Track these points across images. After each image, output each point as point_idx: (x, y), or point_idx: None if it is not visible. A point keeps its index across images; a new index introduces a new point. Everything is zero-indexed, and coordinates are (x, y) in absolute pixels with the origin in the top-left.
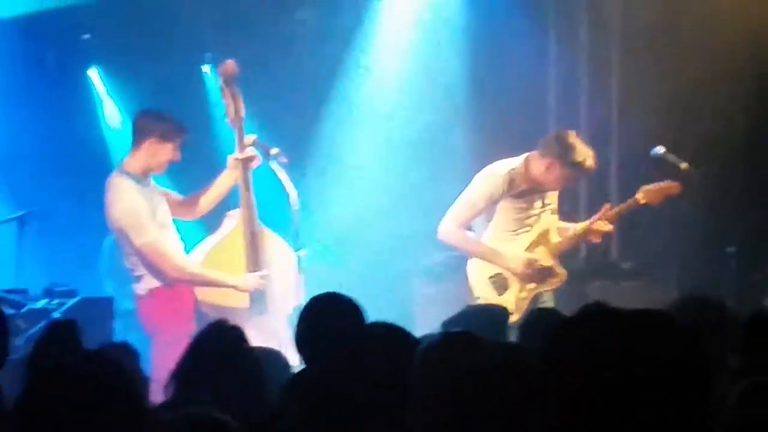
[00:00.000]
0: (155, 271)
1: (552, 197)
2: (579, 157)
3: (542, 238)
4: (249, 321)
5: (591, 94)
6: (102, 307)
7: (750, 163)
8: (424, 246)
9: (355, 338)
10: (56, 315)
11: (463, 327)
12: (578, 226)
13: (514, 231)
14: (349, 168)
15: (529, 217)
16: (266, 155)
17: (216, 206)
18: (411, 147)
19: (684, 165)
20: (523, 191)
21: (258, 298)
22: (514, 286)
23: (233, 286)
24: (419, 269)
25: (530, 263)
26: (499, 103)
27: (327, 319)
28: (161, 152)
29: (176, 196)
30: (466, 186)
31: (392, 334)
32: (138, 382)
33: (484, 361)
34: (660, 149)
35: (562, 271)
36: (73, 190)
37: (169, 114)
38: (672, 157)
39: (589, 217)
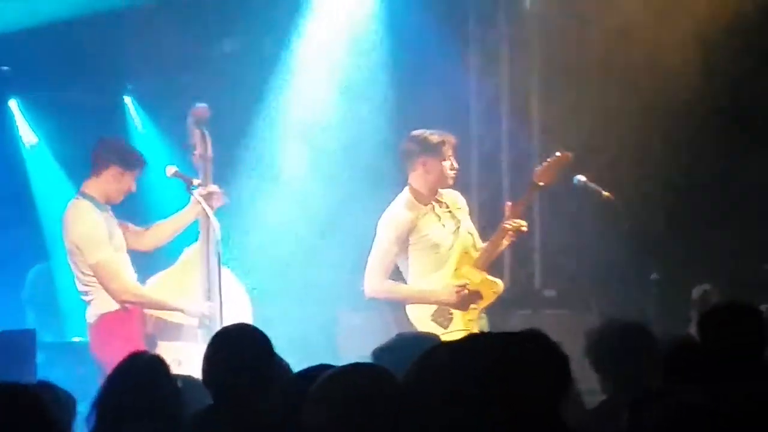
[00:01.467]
0: (106, 290)
1: (460, 215)
2: (435, 139)
3: (464, 258)
4: (199, 338)
5: (512, 117)
6: (24, 341)
7: (672, 189)
8: (349, 276)
9: (262, 374)
10: None
11: (394, 355)
12: (494, 235)
13: (438, 257)
14: (276, 191)
15: (444, 240)
16: (188, 186)
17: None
18: (335, 180)
19: (606, 193)
20: (426, 212)
21: (206, 330)
22: (457, 314)
23: (180, 310)
24: (344, 299)
25: (460, 289)
26: (421, 125)
27: (236, 351)
28: (123, 181)
29: (134, 228)
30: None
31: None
32: (54, 412)
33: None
34: (581, 177)
35: (496, 281)
36: None
37: (130, 144)
38: (593, 186)
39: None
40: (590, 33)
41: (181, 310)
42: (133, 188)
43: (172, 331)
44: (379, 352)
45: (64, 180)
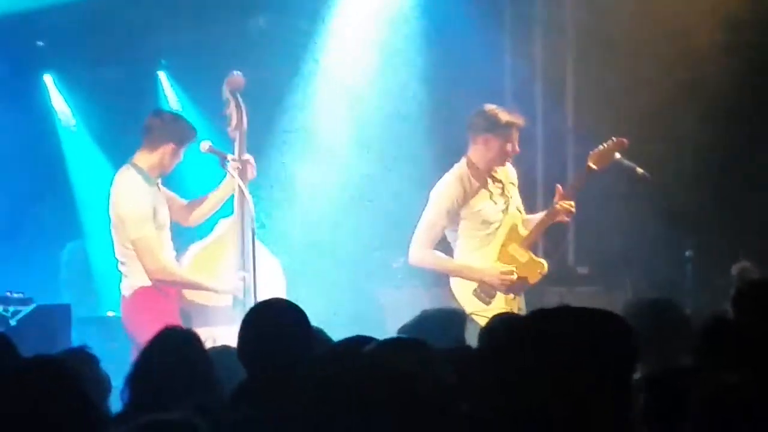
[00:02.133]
0: (143, 267)
1: (512, 191)
2: (504, 118)
3: (512, 235)
4: (233, 321)
5: (546, 99)
6: (59, 315)
7: (707, 166)
8: (387, 252)
9: (298, 347)
10: (12, 323)
11: (419, 332)
12: (542, 214)
13: (486, 234)
14: (311, 172)
15: (495, 216)
16: (222, 161)
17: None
18: (371, 152)
19: (640, 170)
20: (479, 188)
21: (240, 300)
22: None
23: (213, 289)
24: (382, 275)
25: (506, 276)
26: (455, 108)
27: (271, 325)
28: (177, 155)
29: (180, 200)
30: (428, 191)
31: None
32: (90, 388)
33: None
34: (616, 154)
35: (542, 261)
36: (28, 197)
37: (182, 116)
38: (627, 163)
39: None
40: (623, 12)
41: (215, 290)
42: (180, 159)
43: (207, 314)
44: (404, 330)
45: (98, 155)
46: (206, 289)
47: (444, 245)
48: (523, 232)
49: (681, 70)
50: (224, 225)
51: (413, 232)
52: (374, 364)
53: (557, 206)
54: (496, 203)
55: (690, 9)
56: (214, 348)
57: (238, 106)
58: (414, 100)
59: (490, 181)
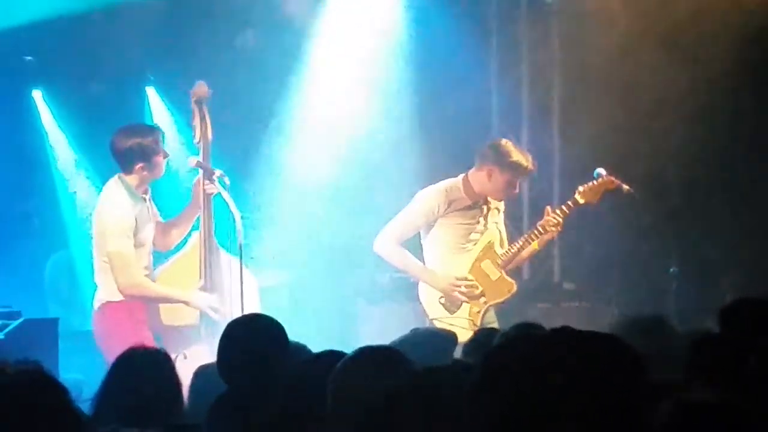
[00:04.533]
0: (115, 280)
1: (496, 215)
2: (515, 158)
3: (487, 252)
4: (200, 340)
5: (533, 116)
6: (47, 329)
7: (692, 182)
8: (370, 265)
9: (276, 362)
10: (0, 336)
11: (408, 350)
12: (522, 237)
13: (460, 246)
14: (295, 185)
15: (473, 233)
16: (210, 177)
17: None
18: (357, 164)
19: (626, 187)
20: (468, 207)
21: (206, 318)
22: (466, 303)
23: (184, 301)
24: (365, 288)
25: (456, 284)
26: (442, 126)
27: (249, 340)
28: (156, 168)
29: (160, 222)
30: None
31: (318, 357)
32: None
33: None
34: (602, 171)
35: (512, 281)
36: (16, 211)
37: (138, 127)
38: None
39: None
40: (610, 29)
41: (187, 302)
42: (166, 155)
43: (175, 330)
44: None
45: (86, 170)
46: (177, 301)
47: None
48: (499, 251)
49: (666, 87)
50: (195, 238)
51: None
52: (347, 377)
53: (537, 227)
54: (478, 222)
55: (674, 24)
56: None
57: (202, 117)
58: (401, 117)
59: (479, 202)
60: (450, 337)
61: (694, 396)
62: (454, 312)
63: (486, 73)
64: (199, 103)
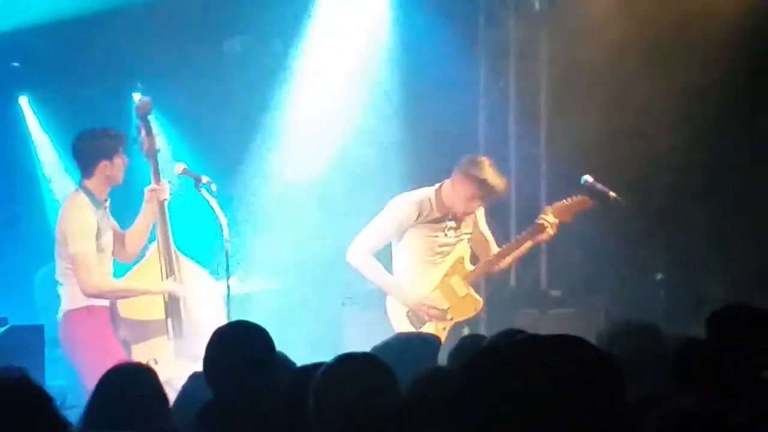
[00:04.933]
0: (78, 282)
1: (469, 227)
2: (485, 175)
3: (456, 267)
4: (167, 331)
5: (519, 121)
6: (32, 336)
7: (679, 188)
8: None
9: (263, 370)
10: None
11: (392, 355)
12: (492, 255)
13: (428, 259)
14: (283, 191)
15: (443, 245)
16: (196, 183)
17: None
18: (346, 169)
19: (612, 194)
20: (437, 219)
21: (175, 319)
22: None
23: (148, 291)
24: (353, 295)
25: (422, 305)
26: (430, 127)
27: (236, 347)
28: (115, 168)
29: (119, 232)
30: None
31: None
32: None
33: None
34: (588, 178)
35: (479, 299)
36: (3, 218)
37: (101, 129)
38: (600, 186)
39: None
40: (598, 35)
41: (148, 291)
42: (126, 162)
43: (141, 329)
44: (376, 351)
45: (72, 176)
46: (141, 293)
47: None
48: (469, 267)
49: (653, 93)
50: (153, 247)
51: (388, 252)
52: (328, 384)
53: (505, 247)
54: (446, 236)
55: (661, 31)
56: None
57: (147, 130)
58: (388, 122)
59: (450, 215)
60: (433, 342)
61: (682, 404)
62: (419, 328)
63: (474, 78)
64: (143, 117)
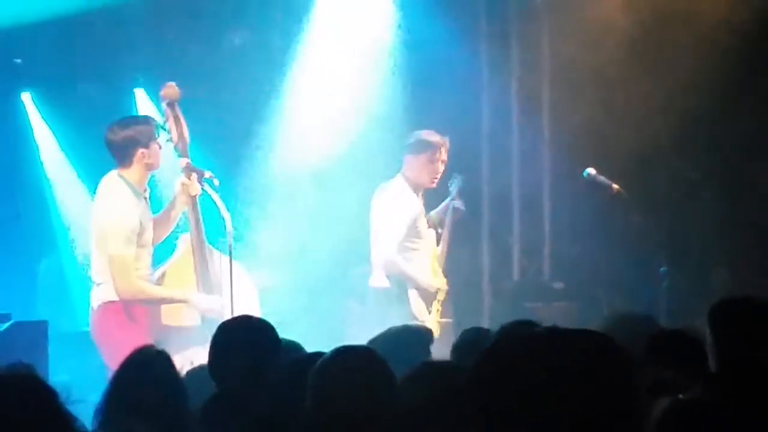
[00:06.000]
0: (114, 284)
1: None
2: (423, 136)
3: (433, 251)
4: (205, 340)
5: (522, 112)
6: (36, 331)
7: (680, 181)
8: (363, 266)
9: (267, 364)
10: None
11: (386, 347)
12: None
13: (415, 248)
14: (283, 187)
15: (424, 236)
16: (199, 178)
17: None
18: (348, 164)
19: (615, 186)
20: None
21: (209, 319)
22: (435, 307)
23: (184, 301)
24: (352, 288)
25: (436, 288)
26: (433, 124)
27: (241, 342)
28: (153, 154)
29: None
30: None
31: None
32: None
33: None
34: (591, 170)
35: (444, 279)
36: (5, 213)
37: (131, 118)
38: (602, 179)
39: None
40: (600, 27)
41: (186, 302)
42: (161, 146)
43: (179, 335)
44: (371, 344)
45: (75, 171)
46: (176, 301)
47: None
48: (437, 250)
49: (655, 83)
50: (186, 240)
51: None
52: (325, 376)
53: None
54: (425, 221)
55: (662, 23)
56: (192, 369)
57: (176, 117)
58: (390, 116)
59: (422, 192)
60: (426, 333)
61: (689, 395)
62: (430, 313)
63: (476, 71)
64: (170, 104)
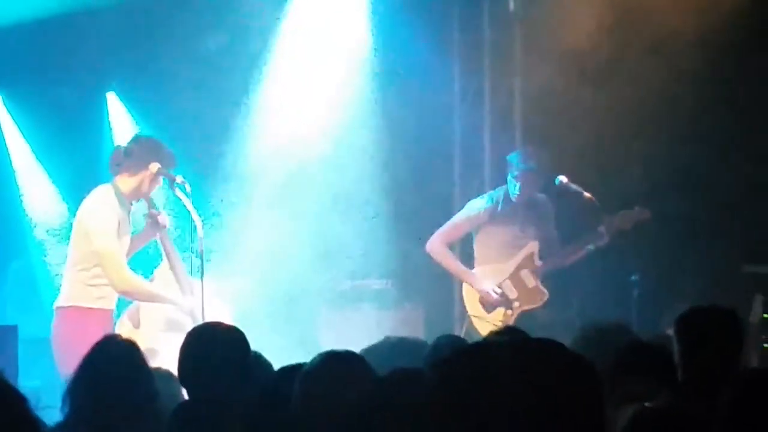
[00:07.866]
0: (108, 278)
1: (543, 221)
2: (532, 162)
3: (527, 262)
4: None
5: (495, 120)
6: (6, 336)
7: (653, 186)
8: (333, 272)
9: (237, 371)
10: None
11: (380, 357)
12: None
13: (504, 252)
14: (256, 192)
15: (517, 240)
16: (171, 183)
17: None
18: (320, 170)
19: (587, 194)
20: (508, 214)
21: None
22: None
23: (173, 303)
24: (326, 295)
25: (491, 292)
26: (405, 133)
27: (210, 348)
28: (155, 182)
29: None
30: (378, 215)
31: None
32: None
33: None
34: (563, 178)
35: (544, 292)
36: None
37: (161, 142)
38: (574, 187)
39: None
40: (572, 36)
41: (174, 303)
42: (160, 184)
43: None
44: (365, 354)
45: (45, 174)
46: (167, 301)
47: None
48: (537, 262)
49: (627, 93)
50: (162, 274)
51: (361, 257)
52: (313, 382)
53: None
54: (522, 232)
55: (636, 32)
56: (158, 371)
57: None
58: (364, 125)
59: (522, 207)
60: (421, 345)
61: (654, 403)
62: (490, 312)
63: (448, 80)
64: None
